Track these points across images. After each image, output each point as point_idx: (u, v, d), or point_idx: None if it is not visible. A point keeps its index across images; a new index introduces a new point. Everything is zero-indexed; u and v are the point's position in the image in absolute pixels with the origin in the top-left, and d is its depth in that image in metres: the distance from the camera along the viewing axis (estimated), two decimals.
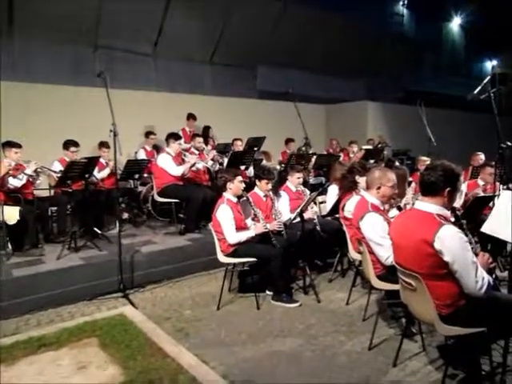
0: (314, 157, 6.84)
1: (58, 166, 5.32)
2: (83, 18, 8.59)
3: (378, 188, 3.24)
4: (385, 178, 3.23)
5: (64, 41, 8.58)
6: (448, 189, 2.37)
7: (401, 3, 16.12)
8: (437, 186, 2.37)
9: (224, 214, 3.81)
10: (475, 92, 3.55)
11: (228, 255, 3.86)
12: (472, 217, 4.39)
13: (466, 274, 2.26)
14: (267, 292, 4.07)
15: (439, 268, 2.30)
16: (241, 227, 3.94)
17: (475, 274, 2.26)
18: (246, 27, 10.30)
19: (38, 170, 4.95)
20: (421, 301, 2.44)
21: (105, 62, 9.05)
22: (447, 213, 2.43)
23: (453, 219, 2.66)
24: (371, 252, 3.16)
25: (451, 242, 2.25)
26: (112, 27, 8.98)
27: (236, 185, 3.98)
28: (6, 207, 4.39)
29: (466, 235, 2.71)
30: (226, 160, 6.34)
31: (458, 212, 4.11)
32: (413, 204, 4.03)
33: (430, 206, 2.39)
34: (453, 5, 17.30)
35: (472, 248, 2.46)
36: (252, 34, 10.45)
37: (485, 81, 3.60)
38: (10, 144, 4.90)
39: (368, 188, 3.35)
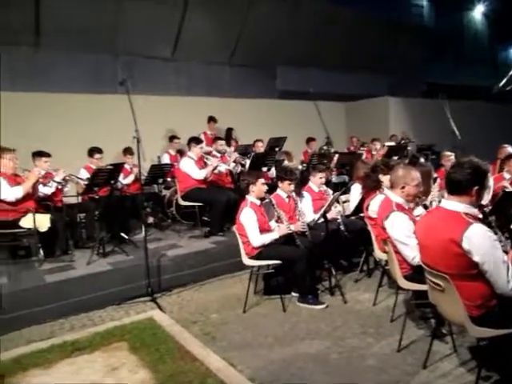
0: (336, 155, 6.79)
1: (84, 174, 5.47)
2: (103, 25, 8.78)
3: (403, 187, 3.20)
4: (409, 177, 3.18)
5: (85, 49, 8.79)
6: (476, 187, 2.31)
7: None
8: (464, 185, 2.32)
9: (247, 217, 3.83)
10: (501, 84, 3.45)
11: (252, 258, 3.88)
12: (501, 212, 4.27)
13: (497, 274, 2.21)
14: (293, 294, 4.07)
15: (468, 268, 2.25)
16: (264, 229, 3.96)
17: (507, 274, 2.21)
18: (263, 27, 10.29)
19: (67, 177, 5.11)
20: (450, 302, 2.40)
21: (125, 69, 9.24)
22: (475, 211, 2.38)
23: (480, 216, 2.59)
24: (397, 252, 3.12)
25: (480, 241, 2.20)
26: (131, 33, 9.15)
27: (259, 187, 3.99)
28: (37, 215, 4.53)
29: (495, 233, 2.65)
30: (247, 162, 6.36)
31: (485, 209, 4.02)
32: (439, 201, 3.96)
33: (457, 204, 2.34)
34: None
35: (502, 246, 2.40)
36: (270, 33, 10.44)
37: (511, 72, 3.49)
38: (40, 154, 5.09)
39: (392, 187, 3.30)
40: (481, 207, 2.59)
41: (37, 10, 8.11)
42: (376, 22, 11.89)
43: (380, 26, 11.96)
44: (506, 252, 2.40)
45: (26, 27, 8.20)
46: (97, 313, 3.91)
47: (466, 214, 2.31)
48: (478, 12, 17.70)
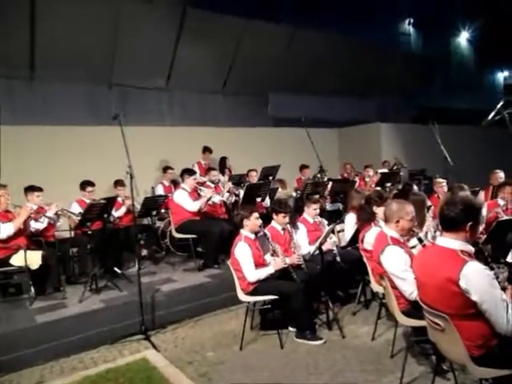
0: (330, 183, 6.80)
1: (76, 208, 5.42)
2: (98, 58, 8.88)
3: (397, 222, 3.18)
4: (403, 211, 3.17)
5: (79, 80, 8.85)
6: (470, 223, 2.31)
7: (407, 22, 16.33)
8: (458, 222, 2.32)
9: (242, 253, 3.79)
10: (489, 118, 3.52)
11: (248, 293, 3.81)
12: (496, 241, 4.27)
13: (496, 313, 2.18)
14: (290, 328, 3.99)
15: (467, 308, 2.22)
16: (260, 263, 3.91)
17: (506, 313, 2.17)
18: (255, 55, 10.45)
19: (59, 212, 5.05)
20: (450, 341, 2.35)
21: (120, 101, 9.31)
22: (471, 248, 2.36)
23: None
24: (394, 287, 3.09)
25: (477, 279, 2.18)
26: (125, 65, 9.24)
27: (253, 222, 3.95)
28: (28, 252, 4.44)
29: (492, 268, 2.63)
30: (241, 192, 6.34)
31: (479, 237, 4.00)
32: (434, 232, 3.96)
33: (452, 242, 2.33)
34: (459, 20, 17.42)
35: (499, 283, 2.38)
36: (262, 61, 10.60)
37: (498, 106, 3.57)
38: (32, 188, 5.04)
39: (386, 221, 3.29)
40: (475, 242, 2.58)
41: (32, 42, 8.20)
42: (366, 50, 12.16)
43: (370, 53, 12.23)
44: (503, 289, 2.38)
45: (21, 60, 8.28)
46: (89, 353, 3.78)
47: (462, 251, 2.30)
48: (463, 38, 18.23)
